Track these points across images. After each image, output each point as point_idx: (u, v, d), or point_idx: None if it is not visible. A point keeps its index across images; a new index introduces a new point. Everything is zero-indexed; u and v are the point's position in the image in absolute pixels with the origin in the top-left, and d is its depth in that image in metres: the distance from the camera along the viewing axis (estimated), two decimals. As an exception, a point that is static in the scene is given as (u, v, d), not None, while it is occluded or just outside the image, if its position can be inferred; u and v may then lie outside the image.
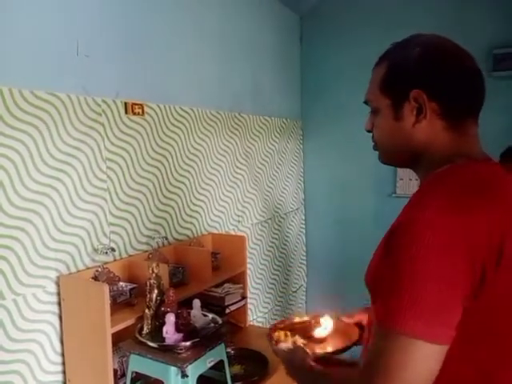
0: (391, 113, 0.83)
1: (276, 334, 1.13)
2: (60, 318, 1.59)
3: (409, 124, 0.81)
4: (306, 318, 1.22)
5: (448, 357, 0.67)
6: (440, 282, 0.65)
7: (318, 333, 1.11)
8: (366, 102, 0.90)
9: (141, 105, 1.91)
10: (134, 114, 1.88)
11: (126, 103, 1.84)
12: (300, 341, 1.08)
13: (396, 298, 0.66)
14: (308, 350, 0.98)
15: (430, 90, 0.78)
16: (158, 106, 2.02)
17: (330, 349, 1.07)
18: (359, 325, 1.12)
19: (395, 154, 0.88)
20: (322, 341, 1.10)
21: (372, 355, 0.70)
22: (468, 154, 0.80)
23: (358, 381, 0.71)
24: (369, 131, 0.91)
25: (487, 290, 0.67)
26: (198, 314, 1.60)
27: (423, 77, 0.79)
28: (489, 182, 0.75)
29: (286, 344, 1.06)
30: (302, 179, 3.47)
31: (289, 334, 1.12)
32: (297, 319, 1.22)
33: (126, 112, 1.84)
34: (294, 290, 3.38)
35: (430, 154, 0.82)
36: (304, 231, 3.51)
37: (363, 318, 1.11)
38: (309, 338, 1.10)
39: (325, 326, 1.12)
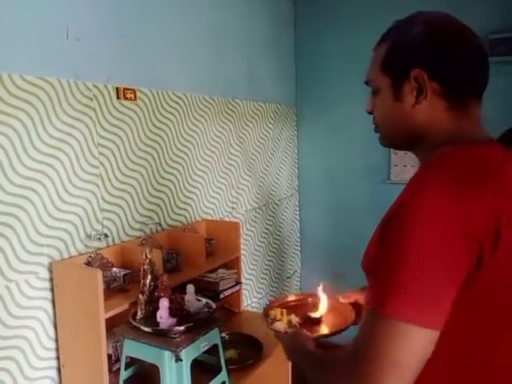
0: (391, 93, 0.81)
1: (272, 312, 1.13)
2: (53, 303, 1.59)
3: (408, 104, 0.79)
4: (301, 297, 1.23)
5: (439, 341, 0.65)
6: (435, 266, 0.64)
7: (314, 313, 1.12)
8: (366, 83, 0.88)
9: (133, 90, 1.89)
10: (126, 99, 1.85)
11: (117, 88, 1.82)
12: (295, 320, 1.08)
13: (389, 283, 0.65)
14: (307, 333, 0.98)
15: (431, 68, 0.76)
16: (151, 91, 2.00)
17: (325, 330, 1.08)
18: (356, 304, 1.11)
19: (395, 136, 0.85)
20: (317, 321, 1.10)
21: (361, 339, 0.69)
22: (470, 135, 0.78)
23: (343, 363, 0.70)
24: (370, 113, 0.89)
25: (483, 274, 0.65)
26: (191, 299, 1.60)
27: (424, 55, 0.76)
28: (489, 164, 0.73)
29: (282, 323, 1.06)
30: (296, 165, 3.47)
31: (284, 312, 1.12)
32: (292, 297, 1.22)
33: (118, 97, 1.82)
34: (289, 275, 3.40)
35: (430, 136, 0.79)
36: (298, 217, 3.52)
37: (359, 298, 1.10)
38: (304, 317, 1.11)
39: (320, 306, 1.13)
